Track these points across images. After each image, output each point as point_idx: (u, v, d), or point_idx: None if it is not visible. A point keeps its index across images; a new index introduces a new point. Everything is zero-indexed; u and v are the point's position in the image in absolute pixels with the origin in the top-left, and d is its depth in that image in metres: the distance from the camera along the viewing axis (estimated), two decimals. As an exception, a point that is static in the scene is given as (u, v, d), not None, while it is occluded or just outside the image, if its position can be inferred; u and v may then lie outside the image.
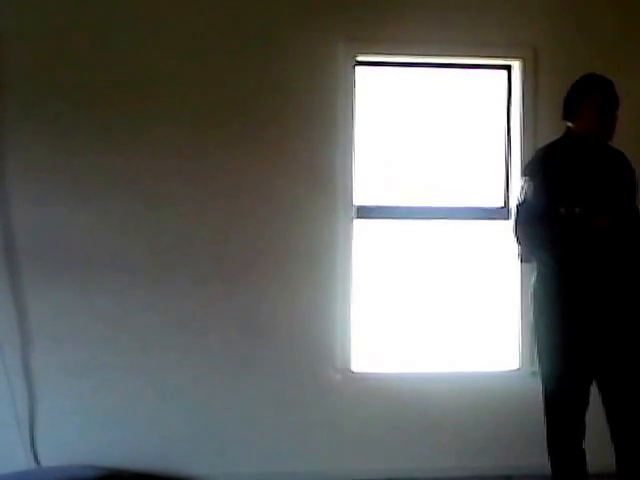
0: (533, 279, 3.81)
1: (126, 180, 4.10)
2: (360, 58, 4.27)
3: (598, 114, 3.65)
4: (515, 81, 4.38)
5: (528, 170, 3.79)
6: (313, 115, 4.21)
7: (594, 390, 3.75)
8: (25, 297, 4.04)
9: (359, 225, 4.30)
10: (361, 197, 4.31)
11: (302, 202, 4.20)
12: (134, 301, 4.12)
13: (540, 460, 3.80)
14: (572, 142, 3.72)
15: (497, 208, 4.43)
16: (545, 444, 3.81)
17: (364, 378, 4.30)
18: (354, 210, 4.27)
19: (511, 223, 3.82)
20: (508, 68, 4.42)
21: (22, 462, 4.01)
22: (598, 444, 3.70)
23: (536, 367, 3.98)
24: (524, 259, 3.91)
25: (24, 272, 4.04)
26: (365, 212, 4.33)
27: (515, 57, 4.36)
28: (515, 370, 4.38)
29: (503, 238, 4.29)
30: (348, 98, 4.24)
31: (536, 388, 3.87)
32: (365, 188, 4.33)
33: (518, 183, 3.86)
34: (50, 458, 4.05)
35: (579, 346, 3.69)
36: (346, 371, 4.26)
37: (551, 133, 3.82)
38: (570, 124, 3.73)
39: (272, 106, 4.19)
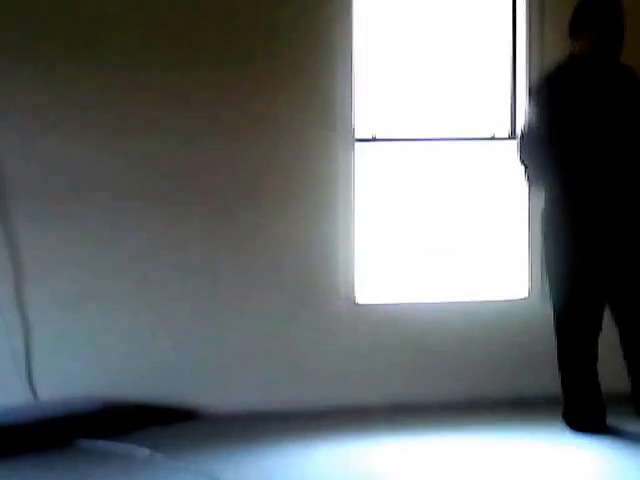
0: (542, 203, 3.77)
1: (123, 112, 3.98)
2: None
3: (600, 33, 3.61)
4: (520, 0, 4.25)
5: (533, 92, 3.77)
6: (310, 47, 4.07)
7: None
8: (16, 228, 3.92)
9: (360, 150, 4.17)
10: (362, 128, 4.18)
11: (303, 128, 4.09)
12: (130, 231, 4.01)
13: (550, 385, 3.83)
14: (578, 62, 3.68)
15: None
16: (554, 370, 3.80)
17: (368, 309, 4.21)
18: (354, 135, 4.14)
19: (516, 145, 3.80)
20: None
21: (19, 396, 3.90)
22: (612, 367, 3.70)
23: (545, 295, 3.95)
24: (531, 182, 3.86)
25: (14, 203, 3.91)
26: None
27: (521, -25, 4.23)
28: (524, 298, 4.28)
29: (510, 160, 4.16)
30: (347, 22, 4.08)
31: (545, 316, 3.85)
32: (366, 118, 4.19)
33: (524, 107, 3.82)
34: (48, 390, 3.95)
35: (591, 267, 3.69)
36: (350, 302, 4.17)
37: (558, 53, 3.77)
38: (575, 43, 3.69)
39: (270, 43, 4.05)
